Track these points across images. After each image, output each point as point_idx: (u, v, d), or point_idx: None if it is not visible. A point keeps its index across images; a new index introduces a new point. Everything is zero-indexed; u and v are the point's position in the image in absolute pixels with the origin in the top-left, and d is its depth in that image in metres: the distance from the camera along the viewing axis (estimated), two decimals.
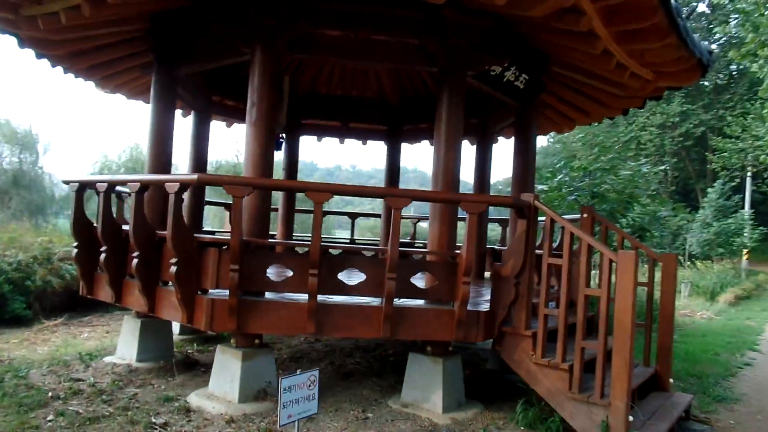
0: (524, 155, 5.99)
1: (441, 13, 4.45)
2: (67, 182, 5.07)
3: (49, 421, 3.85)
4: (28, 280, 8.54)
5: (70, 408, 4.08)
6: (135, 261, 4.24)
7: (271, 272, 4.11)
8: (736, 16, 24.92)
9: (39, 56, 6.05)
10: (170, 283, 4.37)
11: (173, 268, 3.91)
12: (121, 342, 5.44)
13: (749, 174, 29.17)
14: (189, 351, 5.95)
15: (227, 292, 3.93)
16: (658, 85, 5.74)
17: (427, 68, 5.25)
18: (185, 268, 3.94)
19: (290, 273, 4.05)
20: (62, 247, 10.11)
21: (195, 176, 3.96)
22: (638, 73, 5.22)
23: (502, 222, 8.22)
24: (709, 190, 19.99)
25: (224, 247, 4.02)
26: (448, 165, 4.64)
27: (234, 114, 7.52)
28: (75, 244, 5.00)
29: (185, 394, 4.47)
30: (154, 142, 5.42)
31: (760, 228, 22.18)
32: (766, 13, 12.49)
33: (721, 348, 8.23)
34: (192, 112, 6.81)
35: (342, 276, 4.07)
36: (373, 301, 4.21)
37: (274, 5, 4.42)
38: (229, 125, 7.71)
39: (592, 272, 6.47)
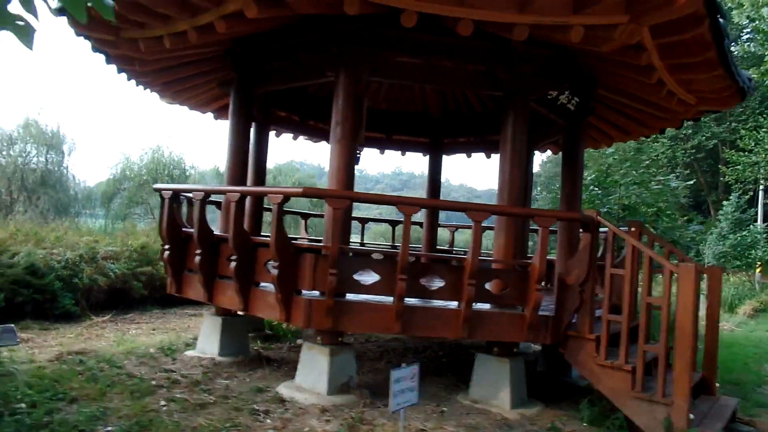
0: (573, 172, 6.42)
1: (510, 44, 4.89)
2: (158, 190, 5.53)
3: (163, 406, 4.29)
4: (75, 278, 8.92)
5: (177, 395, 4.53)
6: (233, 264, 4.70)
7: (358, 276, 4.56)
8: (749, 32, 25.32)
9: (120, 71, 6.54)
10: (262, 284, 4.84)
11: (274, 271, 4.36)
12: (203, 337, 5.89)
13: (762, 187, 29.47)
14: (256, 348, 6.40)
15: (318, 293, 4.39)
16: (699, 108, 6.17)
17: (493, 92, 5.67)
18: (285, 272, 4.39)
19: (374, 277, 4.50)
20: (104, 246, 10.59)
21: (300, 189, 4.43)
22: (684, 98, 5.64)
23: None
24: (725, 203, 20.30)
25: (320, 253, 4.46)
26: (513, 181, 5.08)
27: (286, 124, 7.97)
28: (166, 246, 5.45)
29: (273, 386, 4.91)
30: (233, 155, 5.90)
31: None
32: None
33: (749, 358, 8.60)
34: (253, 123, 7.29)
35: (423, 281, 4.51)
36: (450, 304, 4.64)
37: (361, 34, 4.88)
38: (278, 135, 8.19)
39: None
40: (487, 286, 4.61)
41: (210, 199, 5.31)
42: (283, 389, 4.78)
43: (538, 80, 5.26)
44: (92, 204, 30.09)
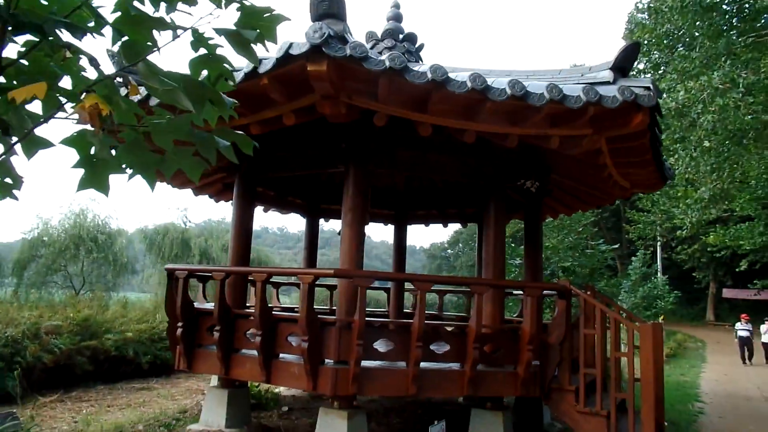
0: (534, 243, 7.46)
1: (492, 144, 5.89)
2: (171, 270, 5.86)
3: None
4: (18, 356, 8.55)
5: None
6: (258, 339, 5.13)
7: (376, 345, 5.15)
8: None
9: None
10: (282, 355, 5.30)
11: (304, 344, 4.86)
12: (206, 410, 6.11)
13: (659, 244, 33.04)
14: (254, 417, 6.65)
15: (339, 362, 4.94)
16: (631, 191, 7.49)
17: (477, 181, 6.57)
18: (313, 344, 4.90)
19: (388, 345, 5.12)
20: (49, 321, 10.21)
21: (332, 270, 5.02)
22: (622, 184, 6.91)
23: (466, 293, 9.72)
24: (633, 258, 22.74)
25: (337, 325, 5.03)
26: (497, 257, 5.99)
27: (271, 201, 8.52)
28: (180, 324, 5.74)
29: None
30: (238, 236, 6.39)
31: (675, 292, 25.18)
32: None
33: (673, 400, 9.85)
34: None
35: (433, 346, 5.19)
36: (454, 365, 5.33)
37: (369, 134, 5.68)
38: (266, 210, 8.71)
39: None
40: (484, 348, 5.36)
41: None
42: None
43: (513, 172, 6.30)
44: (2, 271, 27.96)
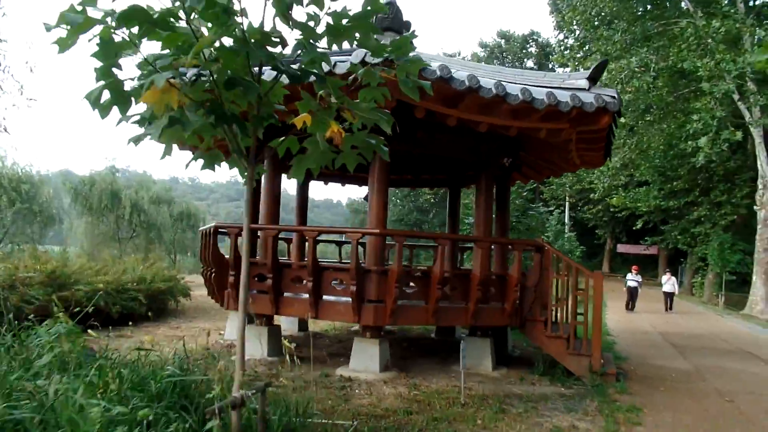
0: (503, 207, 9.14)
1: (485, 131, 7.33)
2: (223, 227, 6.87)
3: (274, 388, 5.82)
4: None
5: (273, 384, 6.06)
6: (310, 284, 6.39)
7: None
8: None
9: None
10: (325, 297, 6.60)
11: (352, 288, 6.20)
12: (248, 343, 7.29)
13: (567, 203, 36.74)
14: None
15: (377, 301, 6.34)
16: (578, 166, 9.31)
17: (475, 159, 7.96)
18: (359, 288, 6.25)
19: (412, 288, 6.59)
20: (22, 272, 10.60)
21: (378, 230, 6.31)
22: (575, 162, 8.68)
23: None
24: (550, 217, 25.56)
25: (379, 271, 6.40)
26: (487, 219, 7.57)
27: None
28: (232, 273, 6.82)
29: (331, 372, 6.65)
30: (269, 201, 7.45)
31: (581, 247, 28.64)
32: None
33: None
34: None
35: (446, 288, 6.72)
36: (461, 303, 6.91)
37: (397, 119, 6.89)
38: (289, 178, 9.70)
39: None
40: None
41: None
42: (342, 372, 6.58)
43: (499, 151, 7.82)
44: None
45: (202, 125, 2.91)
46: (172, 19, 2.85)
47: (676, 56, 18.24)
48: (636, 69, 18.55)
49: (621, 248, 40.38)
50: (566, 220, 37.09)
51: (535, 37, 49.40)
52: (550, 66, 39.69)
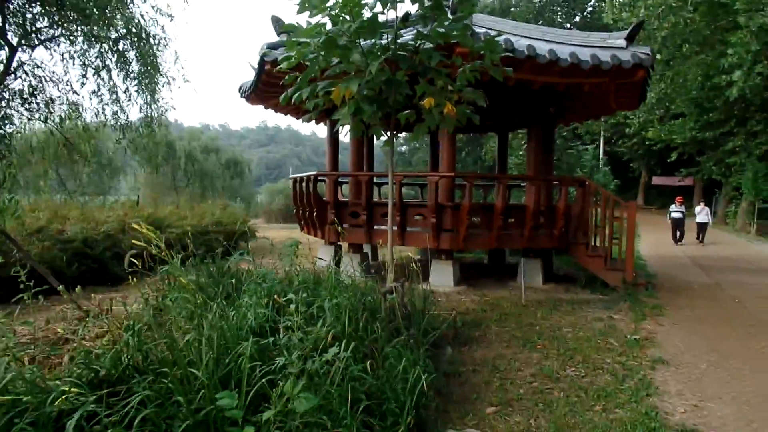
0: (549, 149, 10.51)
1: (538, 87, 8.63)
2: (321, 175, 8.52)
3: None
4: (115, 248, 10.65)
5: None
6: (398, 218, 8.05)
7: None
8: None
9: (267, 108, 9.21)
10: (408, 228, 8.28)
11: (432, 220, 7.83)
12: (342, 265, 9.11)
13: (602, 139, 37.23)
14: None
15: (451, 230, 7.97)
16: (615, 110, 10.53)
17: (526, 110, 9.33)
18: (438, 220, 7.88)
19: (478, 219, 8.19)
20: (129, 218, 12.55)
21: (452, 174, 7.86)
22: (612, 106, 9.92)
23: (484, 187, 12.86)
24: (584, 152, 26.42)
25: (453, 207, 8.00)
26: (536, 161, 9.01)
27: None
28: (332, 211, 8.54)
29: (414, 287, 8.39)
30: (356, 151, 9.02)
31: (615, 180, 29.55)
32: None
33: None
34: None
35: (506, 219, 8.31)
36: (518, 230, 8.51)
37: None
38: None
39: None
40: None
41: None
42: (424, 285, 8.32)
43: (546, 103, 9.14)
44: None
45: (372, 111, 4.47)
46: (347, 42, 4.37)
47: None
48: (673, 4, 18.91)
49: (656, 180, 40.86)
50: (601, 155, 37.73)
51: None
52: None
